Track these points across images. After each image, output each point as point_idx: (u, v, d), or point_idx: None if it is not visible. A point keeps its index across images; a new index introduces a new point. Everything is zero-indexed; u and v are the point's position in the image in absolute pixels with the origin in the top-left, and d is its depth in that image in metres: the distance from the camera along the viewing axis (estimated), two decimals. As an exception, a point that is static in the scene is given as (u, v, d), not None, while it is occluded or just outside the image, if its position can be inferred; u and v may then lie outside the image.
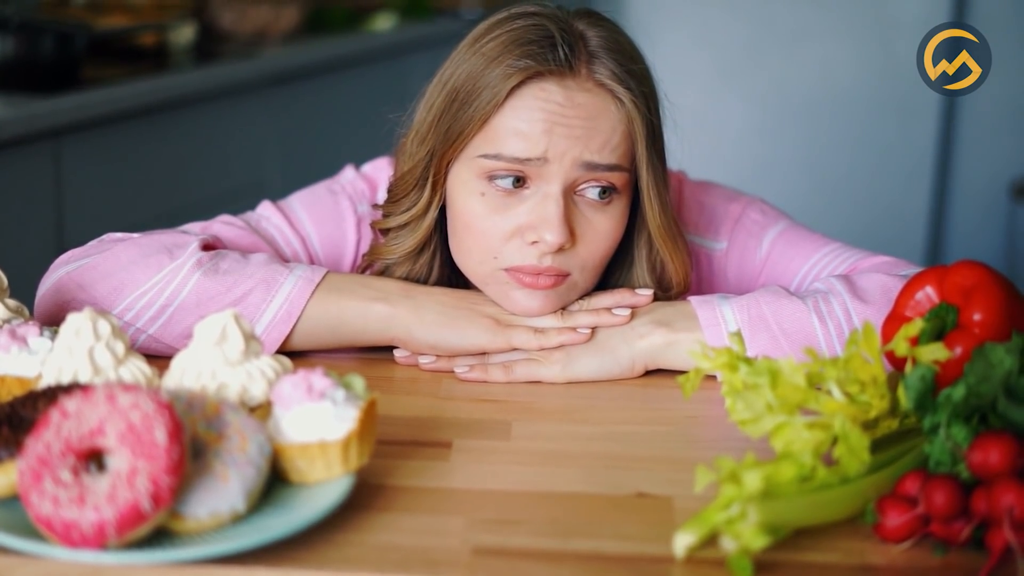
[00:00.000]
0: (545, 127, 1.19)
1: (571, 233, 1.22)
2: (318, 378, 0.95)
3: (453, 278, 1.33)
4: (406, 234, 1.30)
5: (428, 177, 1.27)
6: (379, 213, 1.35)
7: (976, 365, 0.94)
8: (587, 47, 1.22)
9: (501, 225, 1.23)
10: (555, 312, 1.26)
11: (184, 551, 0.85)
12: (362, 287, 1.26)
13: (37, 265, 1.34)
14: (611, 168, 1.21)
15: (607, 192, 1.23)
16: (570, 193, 1.22)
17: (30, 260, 1.58)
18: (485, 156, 1.22)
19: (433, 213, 1.29)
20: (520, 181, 1.22)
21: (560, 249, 1.22)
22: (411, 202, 1.29)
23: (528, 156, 1.20)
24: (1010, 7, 3.98)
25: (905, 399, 0.96)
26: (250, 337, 1.01)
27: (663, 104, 1.28)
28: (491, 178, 1.22)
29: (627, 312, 1.25)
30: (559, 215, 1.20)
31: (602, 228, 1.24)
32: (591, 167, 1.20)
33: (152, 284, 1.22)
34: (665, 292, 1.31)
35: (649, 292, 1.28)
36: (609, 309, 1.26)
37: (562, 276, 1.24)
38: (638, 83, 1.22)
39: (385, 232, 1.32)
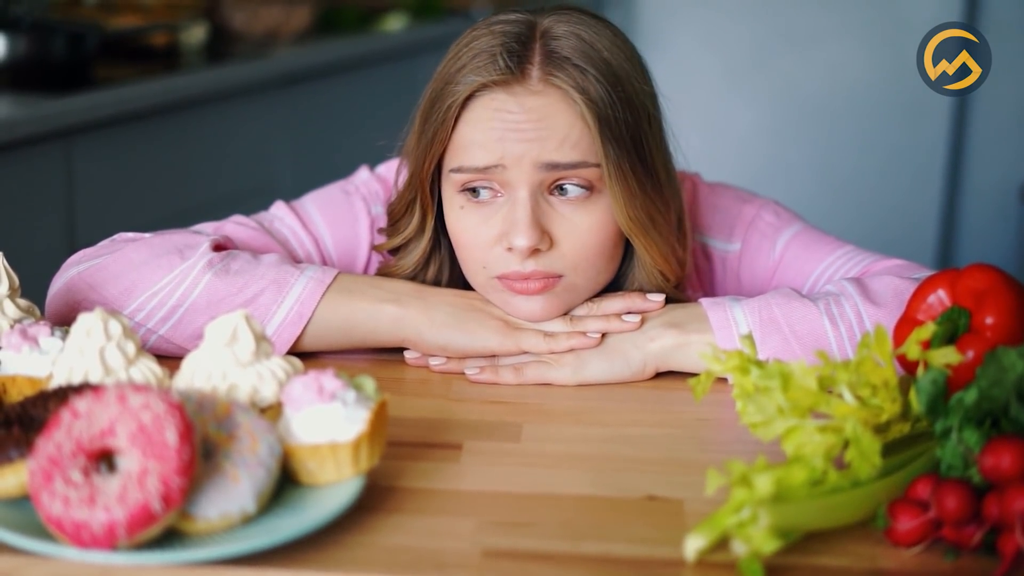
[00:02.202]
0: (497, 135, 1.20)
1: (546, 234, 1.22)
2: (329, 379, 0.95)
3: (465, 286, 1.33)
4: (407, 254, 1.32)
5: (416, 198, 1.29)
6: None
7: (988, 369, 0.94)
8: (546, 47, 1.21)
9: (483, 235, 1.23)
10: (564, 316, 1.26)
11: (194, 552, 0.85)
12: (373, 288, 1.26)
13: (48, 265, 1.35)
14: (575, 165, 1.21)
15: (582, 189, 1.22)
16: (542, 195, 1.22)
17: (41, 260, 1.59)
18: (452, 170, 1.24)
19: (429, 232, 1.30)
20: (492, 191, 1.22)
21: (536, 251, 1.22)
22: (406, 223, 1.31)
23: (486, 164, 1.21)
24: (1020, 9, 3.97)
25: (917, 403, 0.95)
26: (261, 338, 1.01)
27: (661, 100, 1.28)
28: (465, 191, 1.23)
29: (637, 318, 1.25)
30: (526, 219, 1.20)
31: (583, 225, 1.23)
32: (553, 167, 1.20)
33: (163, 285, 1.22)
34: (668, 283, 1.30)
35: (660, 297, 1.27)
36: (619, 314, 1.26)
37: (552, 278, 1.23)
38: (595, 76, 1.20)
39: (393, 252, 1.34)
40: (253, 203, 1.62)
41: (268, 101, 2.89)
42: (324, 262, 1.40)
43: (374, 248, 1.38)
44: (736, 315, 1.23)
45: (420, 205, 1.29)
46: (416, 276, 1.32)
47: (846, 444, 0.92)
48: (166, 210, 2.49)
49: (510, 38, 1.22)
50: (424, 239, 1.31)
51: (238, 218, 1.37)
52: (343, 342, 1.27)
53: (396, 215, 1.33)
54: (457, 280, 1.33)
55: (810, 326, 1.21)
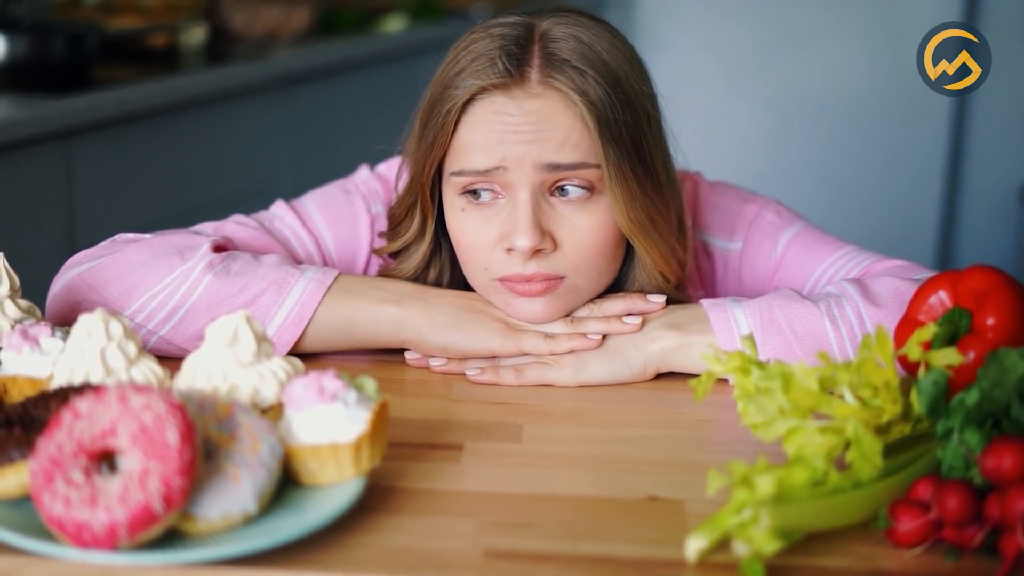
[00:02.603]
0: (498, 137, 1.20)
1: (548, 236, 1.22)
2: (330, 380, 0.95)
3: (466, 289, 1.33)
4: (407, 257, 1.32)
5: (416, 202, 1.29)
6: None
7: (989, 370, 0.94)
8: (544, 50, 1.21)
9: (484, 237, 1.23)
10: (565, 318, 1.26)
11: (195, 552, 0.85)
12: (374, 289, 1.26)
13: (49, 265, 1.35)
14: (575, 166, 1.21)
15: (582, 190, 1.22)
16: (543, 196, 1.22)
17: (42, 260, 1.59)
18: (453, 173, 1.24)
19: (429, 235, 1.30)
20: (494, 193, 1.22)
21: (538, 252, 1.22)
22: (406, 227, 1.31)
23: (487, 167, 1.21)
24: (1020, 10, 3.97)
25: (918, 404, 0.95)
26: (262, 339, 1.01)
27: (661, 100, 1.28)
28: (466, 193, 1.23)
29: (637, 320, 1.25)
30: (528, 220, 1.20)
31: (584, 226, 1.23)
32: (554, 168, 1.20)
33: (163, 286, 1.22)
34: (668, 283, 1.30)
35: (661, 299, 1.27)
36: (620, 316, 1.26)
37: (554, 279, 1.23)
38: (595, 77, 1.21)
39: (394, 255, 1.34)
40: (253, 203, 1.62)
41: (268, 101, 2.89)
42: (324, 261, 1.40)
43: (374, 252, 1.38)
44: (737, 316, 1.23)
45: (420, 209, 1.29)
46: (417, 279, 1.32)
47: (847, 445, 0.92)
48: (166, 210, 2.48)
49: (509, 41, 1.22)
50: (425, 242, 1.31)
51: (238, 218, 1.37)
52: (344, 343, 1.27)
53: (396, 219, 1.33)
54: (458, 283, 1.33)
55: (811, 327, 1.21)
